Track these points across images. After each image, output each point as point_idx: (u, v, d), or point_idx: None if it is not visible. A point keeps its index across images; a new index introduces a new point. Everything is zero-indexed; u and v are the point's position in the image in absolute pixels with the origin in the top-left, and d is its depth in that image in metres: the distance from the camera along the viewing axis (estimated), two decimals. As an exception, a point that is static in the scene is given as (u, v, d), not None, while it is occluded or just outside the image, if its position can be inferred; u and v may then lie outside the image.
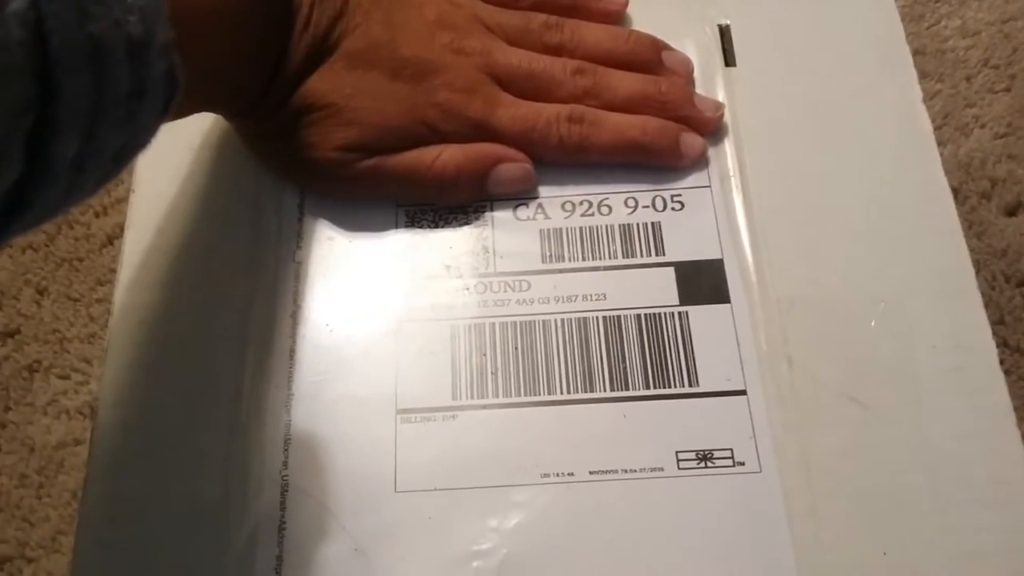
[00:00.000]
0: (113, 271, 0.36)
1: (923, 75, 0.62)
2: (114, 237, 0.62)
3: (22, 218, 0.24)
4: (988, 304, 0.56)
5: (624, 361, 0.34)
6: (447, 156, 0.36)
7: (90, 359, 0.59)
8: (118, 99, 0.24)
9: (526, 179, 0.37)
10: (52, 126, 0.23)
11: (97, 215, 0.63)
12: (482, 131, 0.37)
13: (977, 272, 0.59)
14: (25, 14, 0.21)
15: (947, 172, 0.60)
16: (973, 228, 0.58)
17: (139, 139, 0.26)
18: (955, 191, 0.60)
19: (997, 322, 0.56)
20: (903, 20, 0.41)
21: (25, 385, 0.59)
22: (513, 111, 0.37)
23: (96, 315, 0.60)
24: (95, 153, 0.24)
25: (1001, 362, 0.54)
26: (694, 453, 0.32)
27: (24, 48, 0.21)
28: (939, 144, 0.62)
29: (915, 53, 0.62)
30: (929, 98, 0.62)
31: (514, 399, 0.34)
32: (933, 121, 0.62)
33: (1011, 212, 0.59)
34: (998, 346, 0.56)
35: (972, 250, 0.58)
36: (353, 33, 0.35)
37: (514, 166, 0.37)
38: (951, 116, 0.62)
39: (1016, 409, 0.53)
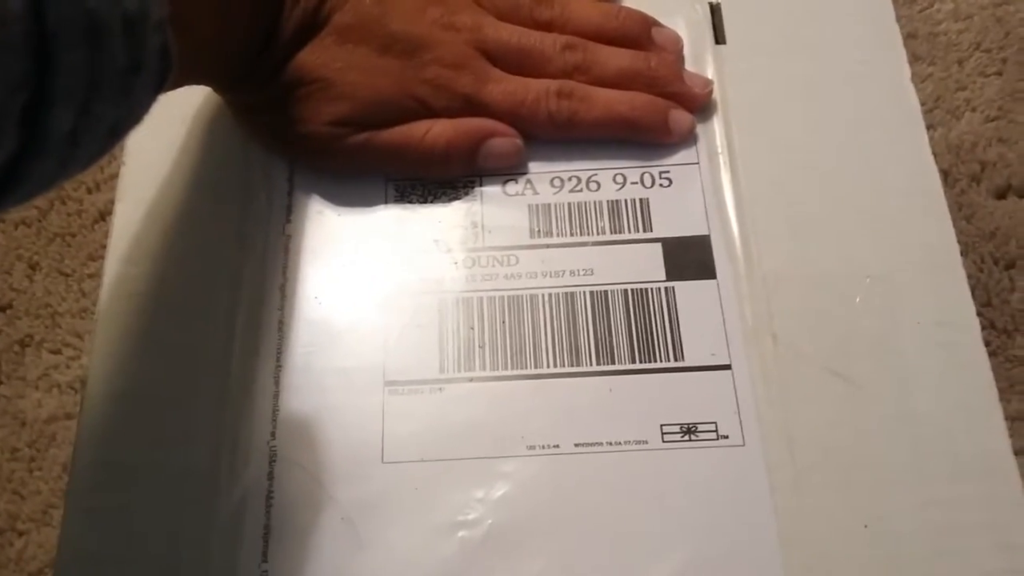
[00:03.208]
0: (105, 247, 0.36)
1: (915, 58, 0.62)
2: (106, 213, 0.62)
3: (15, 192, 0.24)
4: (976, 286, 0.57)
5: (610, 335, 0.34)
6: (437, 131, 0.36)
7: (82, 334, 0.59)
8: (114, 74, 0.24)
9: (516, 154, 0.37)
10: (48, 101, 0.23)
11: (89, 191, 0.63)
12: (472, 106, 0.37)
13: (966, 254, 0.60)
14: None
15: (937, 155, 0.60)
16: (963, 211, 0.59)
17: (134, 114, 0.27)
18: (945, 174, 0.60)
19: (984, 304, 0.56)
20: (896, 3, 0.41)
21: (16, 359, 0.59)
22: (503, 86, 0.37)
23: (88, 290, 0.60)
24: (90, 128, 0.24)
25: (988, 343, 0.55)
26: (678, 426, 0.33)
27: (22, 23, 0.21)
28: (930, 127, 0.62)
29: (907, 36, 0.62)
30: (920, 81, 0.62)
31: (501, 372, 0.34)
32: (924, 104, 0.62)
33: (1000, 195, 0.59)
34: (985, 328, 0.57)
35: (961, 232, 0.59)
36: (343, 8, 0.35)
37: (504, 141, 0.37)
38: (942, 99, 0.62)
39: (1003, 390, 0.54)
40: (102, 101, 0.24)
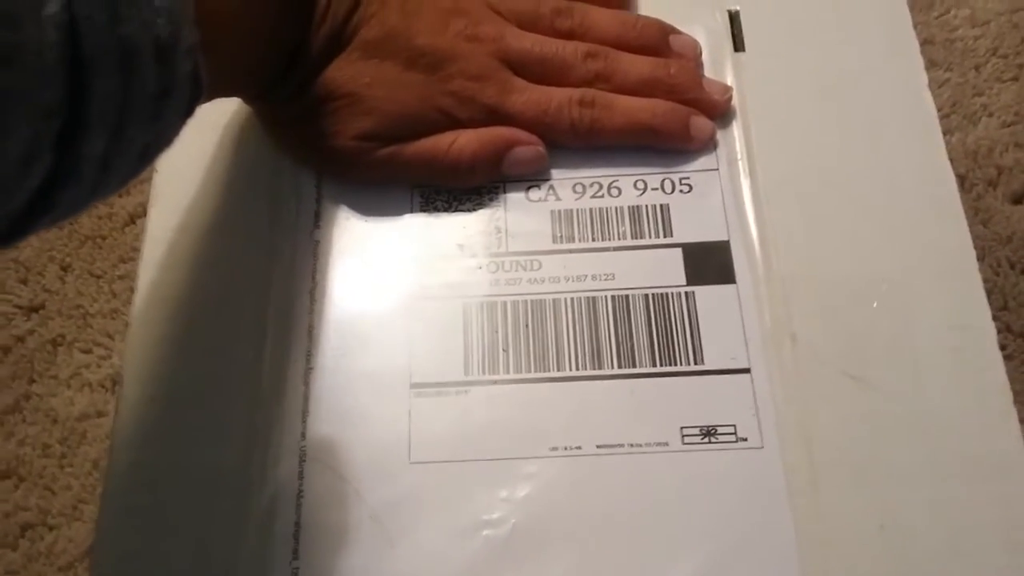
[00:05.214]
0: (135, 249, 0.37)
1: (932, 64, 0.62)
2: (136, 216, 0.63)
3: (47, 216, 0.24)
4: (992, 290, 0.57)
5: (631, 339, 0.35)
6: (463, 142, 0.37)
7: (112, 334, 0.60)
8: (145, 100, 0.24)
9: (539, 161, 0.38)
10: (81, 126, 0.23)
11: (120, 195, 0.64)
12: (496, 116, 0.37)
13: (982, 259, 0.60)
14: (59, 16, 0.21)
15: (954, 160, 0.61)
16: (979, 215, 0.59)
17: (164, 138, 0.27)
18: (962, 179, 0.61)
19: (1001, 308, 0.56)
20: (913, 10, 0.41)
21: (49, 358, 0.60)
22: (526, 96, 0.38)
23: (118, 291, 0.61)
24: (121, 152, 0.25)
25: (1004, 347, 0.56)
26: (698, 429, 0.33)
27: (57, 50, 0.22)
28: (947, 132, 0.63)
29: (924, 42, 0.62)
30: (938, 87, 0.63)
31: (524, 375, 0.35)
32: (941, 109, 0.63)
33: (1017, 200, 0.60)
34: (1001, 331, 0.57)
35: (978, 237, 0.60)
36: (369, 22, 0.36)
37: (527, 149, 0.38)
38: (959, 105, 0.62)
39: (1018, 393, 0.54)
40: (133, 126, 0.25)
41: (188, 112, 0.27)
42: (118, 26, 0.23)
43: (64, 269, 0.63)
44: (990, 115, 0.62)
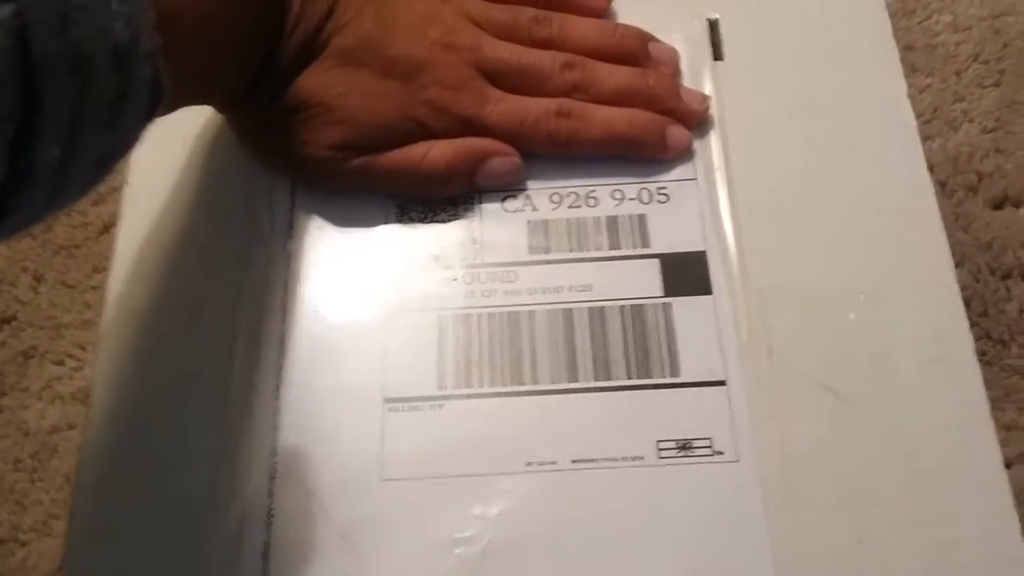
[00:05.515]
0: (109, 259, 0.37)
1: (913, 69, 0.62)
2: (110, 225, 0.62)
3: (4, 224, 0.24)
4: (972, 296, 0.57)
5: (607, 352, 0.35)
6: (436, 153, 0.36)
7: (85, 345, 0.60)
8: (102, 105, 0.24)
9: (515, 173, 0.38)
10: (35, 133, 0.23)
11: (94, 203, 0.63)
12: (472, 127, 0.37)
13: (963, 265, 0.60)
14: (9, 21, 0.21)
15: (935, 166, 0.61)
16: (959, 221, 0.59)
17: (123, 145, 0.27)
18: (942, 184, 0.61)
19: (981, 314, 0.56)
20: (894, 15, 0.41)
21: (20, 370, 0.59)
22: (502, 107, 0.37)
23: (92, 302, 0.60)
24: (78, 159, 0.24)
25: (984, 353, 0.56)
26: (674, 442, 0.33)
27: (7, 55, 0.21)
28: (928, 138, 0.63)
29: (906, 48, 0.62)
30: (919, 92, 0.62)
31: (499, 388, 0.34)
32: (922, 115, 0.62)
33: (997, 206, 0.60)
34: (982, 338, 0.57)
35: (958, 243, 0.59)
36: (343, 30, 0.36)
37: (503, 161, 0.37)
38: (940, 110, 0.62)
39: (998, 400, 0.54)
40: (89, 132, 0.24)
41: (148, 118, 0.27)
42: (71, 31, 0.22)
43: (37, 279, 0.62)
44: (971, 120, 0.62)
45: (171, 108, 0.31)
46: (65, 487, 0.56)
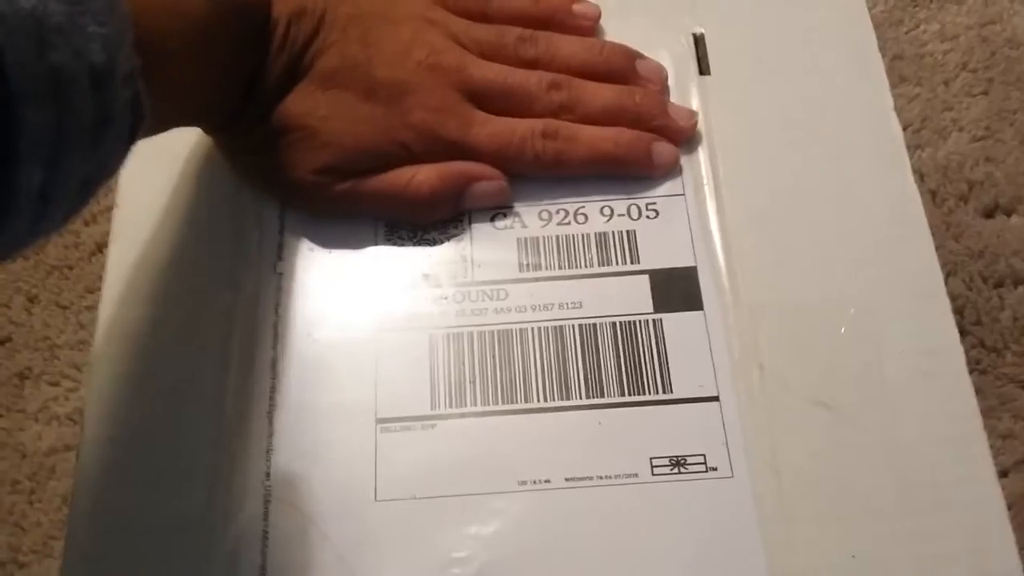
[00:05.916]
0: (103, 278, 0.37)
1: (901, 79, 0.62)
2: (103, 245, 0.62)
3: None
4: (965, 305, 0.57)
5: (599, 369, 0.35)
6: (422, 177, 0.36)
7: (80, 366, 0.60)
8: (82, 128, 0.24)
9: (501, 195, 0.38)
10: (14, 158, 0.22)
11: (87, 223, 0.63)
12: (457, 150, 0.37)
13: (955, 274, 0.60)
14: None
15: (925, 175, 0.61)
16: (951, 230, 0.59)
17: (105, 168, 0.26)
18: (933, 193, 0.61)
19: (974, 323, 0.56)
20: (882, 25, 0.41)
21: (16, 392, 0.59)
22: (488, 129, 0.37)
23: (86, 322, 0.60)
24: (60, 183, 0.24)
25: (978, 362, 0.56)
26: (668, 459, 0.33)
27: None
28: (917, 147, 0.63)
29: (894, 58, 0.62)
30: (907, 102, 0.63)
31: (492, 407, 0.34)
32: (911, 125, 0.63)
33: (988, 214, 0.60)
34: (975, 346, 0.57)
35: (950, 252, 0.60)
36: (328, 52, 0.36)
37: (489, 184, 0.37)
38: (929, 120, 0.62)
39: (993, 409, 0.54)
40: (71, 156, 0.24)
41: (131, 140, 0.27)
42: (47, 54, 0.22)
43: (31, 300, 0.62)
44: (960, 129, 0.62)
45: (157, 130, 0.31)
46: (63, 508, 0.56)
